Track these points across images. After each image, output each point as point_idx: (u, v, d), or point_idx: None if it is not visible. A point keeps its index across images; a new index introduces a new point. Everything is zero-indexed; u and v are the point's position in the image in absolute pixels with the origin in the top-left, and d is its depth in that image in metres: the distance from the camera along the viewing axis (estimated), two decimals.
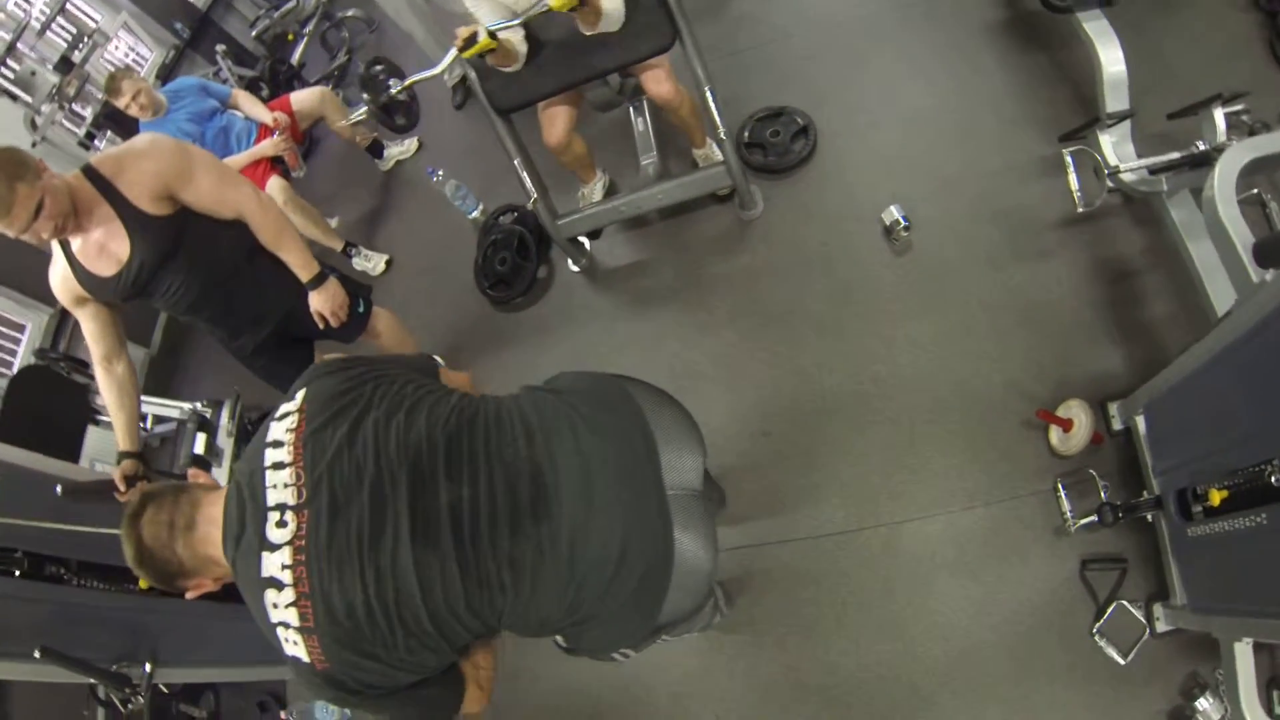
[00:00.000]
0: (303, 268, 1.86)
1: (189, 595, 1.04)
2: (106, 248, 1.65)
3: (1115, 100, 1.96)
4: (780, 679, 1.82)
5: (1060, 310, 1.94)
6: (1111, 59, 1.95)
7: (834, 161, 2.33)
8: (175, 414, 2.79)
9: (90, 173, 1.62)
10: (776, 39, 2.64)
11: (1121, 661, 1.61)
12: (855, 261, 2.15)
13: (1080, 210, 1.82)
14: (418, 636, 0.94)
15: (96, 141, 3.39)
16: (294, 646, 0.93)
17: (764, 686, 1.83)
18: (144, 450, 2.01)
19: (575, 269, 2.54)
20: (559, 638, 1.17)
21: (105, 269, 1.68)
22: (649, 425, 1.06)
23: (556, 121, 2.13)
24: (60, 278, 1.72)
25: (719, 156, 2.29)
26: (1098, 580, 1.69)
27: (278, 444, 1.00)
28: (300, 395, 1.04)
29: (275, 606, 0.93)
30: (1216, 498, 1.34)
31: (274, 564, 0.93)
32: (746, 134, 2.39)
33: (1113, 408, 1.77)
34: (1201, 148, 1.70)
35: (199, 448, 2.67)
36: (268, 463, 0.98)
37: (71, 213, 1.56)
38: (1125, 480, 1.73)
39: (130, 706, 1.95)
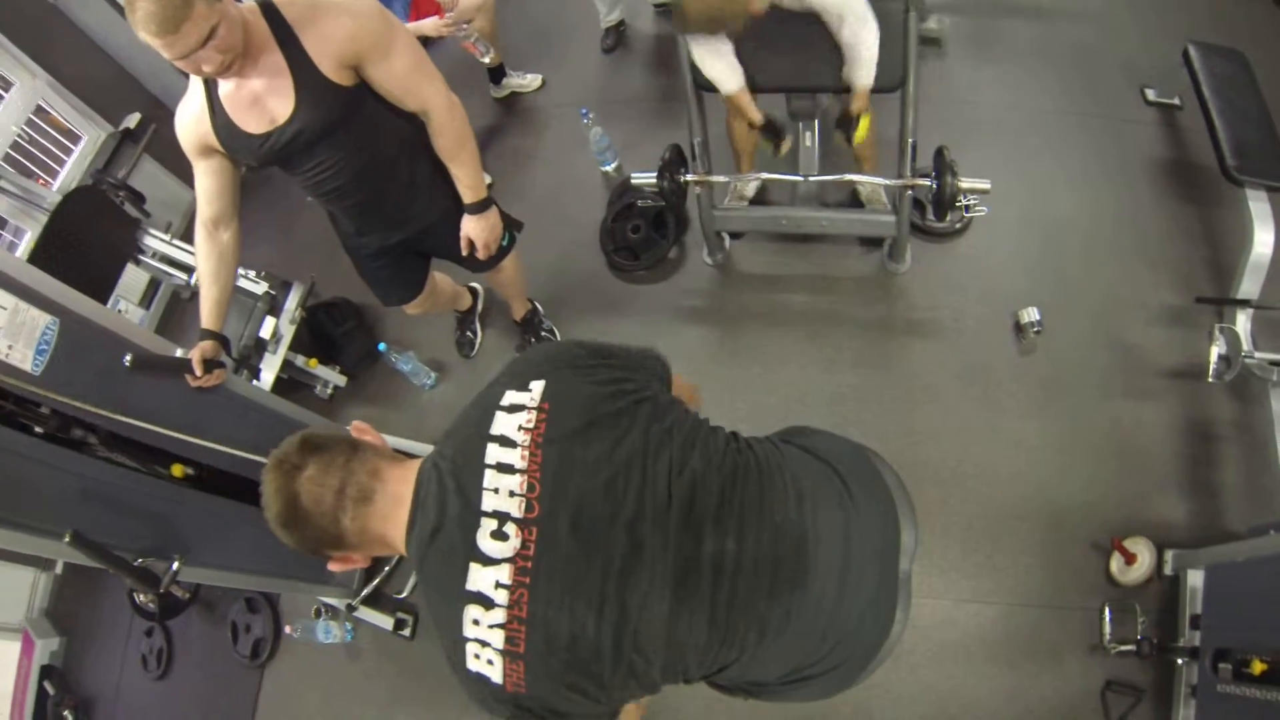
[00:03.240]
0: (472, 187, 1.82)
1: (332, 567, 1.00)
2: (262, 101, 1.53)
3: (1252, 282, 2.27)
4: (812, 717, 2.08)
5: (1148, 452, 2.27)
6: (1263, 241, 2.25)
7: (982, 243, 2.60)
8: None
9: (270, 12, 1.49)
10: (952, 106, 2.86)
11: None
12: (982, 347, 2.43)
13: (1210, 380, 2.13)
14: (634, 679, 0.94)
15: None
16: (484, 665, 0.90)
17: None
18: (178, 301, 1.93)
19: (709, 262, 2.70)
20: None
21: (253, 125, 1.55)
22: (895, 506, 1.09)
23: (751, 110, 2.24)
24: (193, 118, 1.59)
25: (884, 200, 2.49)
26: (1114, 702, 2.02)
27: (506, 442, 0.95)
28: (538, 388, 0.99)
29: (476, 623, 0.90)
30: (1258, 668, 1.69)
31: (486, 580, 0.89)
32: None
33: (1168, 554, 2.11)
34: None
35: (265, 332, 2.66)
36: (489, 460, 0.94)
37: (240, 51, 1.43)
38: (1160, 620, 2.07)
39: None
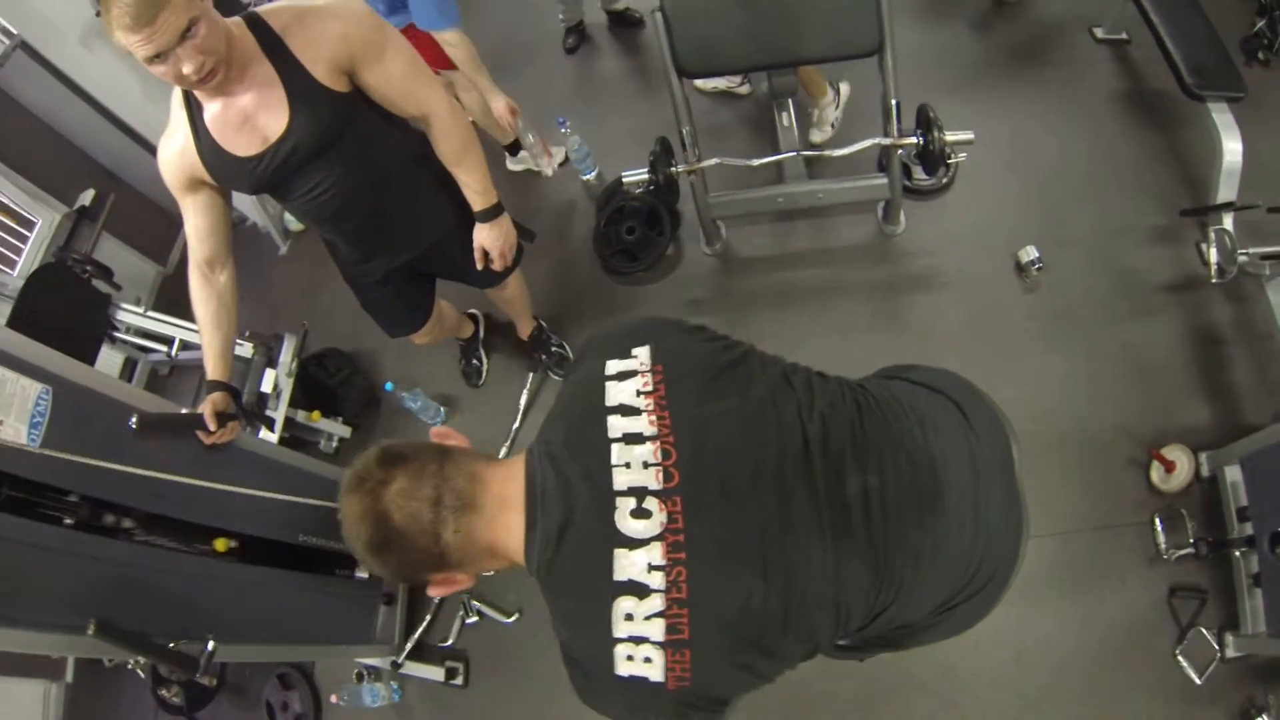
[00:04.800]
0: (482, 192, 1.80)
1: (433, 591, 0.95)
2: (253, 120, 1.51)
3: (1227, 188, 2.51)
4: (895, 677, 2.19)
5: (1162, 365, 2.48)
6: (1232, 150, 2.50)
7: (971, 193, 2.81)
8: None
9: (255, 23, 1.47)
10: (916, 66, 3.04)
11: (1198, 681, 2.10)
12: (988, 292, 2.63)
13: (1214, 282, 2.35)
14: (803, 643, 0.93)
15: None
16: (640, 665, 0.85)
17: (879, 683, 2.20)
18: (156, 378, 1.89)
19: (708, 251, 2.86)
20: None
21: (245, 147, 1.53)
22: (1003, 423, 1.15)
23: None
24: (178, 151, 1.56)
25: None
26: (1181, 607, 2.18)
27: (628, 410, 0.93)
28: (644, 352, 0.99)
29: (629, 618, 0.85)
30: None
31: (636, 564, 0.85)
32: None
33: (1202, 456, 2.29)
34: None
35: (266, 385, 2.69)
36: (613, 434, 0.91)
37: (225, 60, 1.40)
38: (1207, 520, 2.24)
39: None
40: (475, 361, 2.93)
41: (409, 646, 2.56)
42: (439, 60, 2.49)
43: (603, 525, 0.87)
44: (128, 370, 3.09)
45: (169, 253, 3.63)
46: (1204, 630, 2.14)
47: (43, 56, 2.85)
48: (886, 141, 2.33)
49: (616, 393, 0.95)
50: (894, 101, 2.30)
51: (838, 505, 0.94)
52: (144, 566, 1.65)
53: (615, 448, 0.90)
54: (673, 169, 2.40)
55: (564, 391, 1.04)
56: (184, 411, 1.77)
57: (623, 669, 0.85)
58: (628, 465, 0.89)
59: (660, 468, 0.89)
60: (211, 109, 1.50)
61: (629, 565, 0.85)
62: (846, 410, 1.02)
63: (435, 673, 2.54)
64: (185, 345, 2.93)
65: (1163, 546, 2.21)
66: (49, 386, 1.48)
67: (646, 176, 2.39)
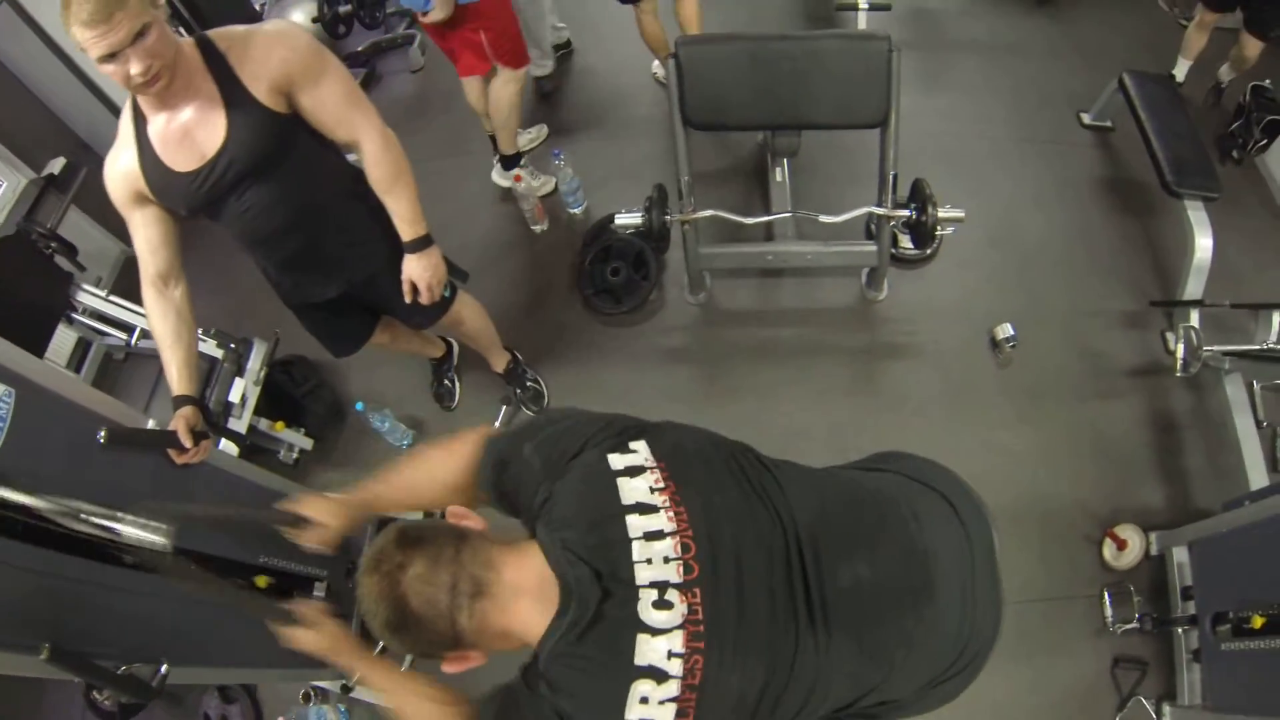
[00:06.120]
0: (411, 221, 1.88)
1: (447, 669, 1.01)
2: (193, 135, 1.62)
3: (1195, 283, 2.75)
4: None
5: (1122, 446, 2.70)
6: (1203, 246, 2.73)
7: (953, 266, 3.02)
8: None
9: (204, 44, 1.60)
10: (910, 138, 3.28)
11: None
12: (963, 364, 2.83)
13: (1178, 375, 2.57)
14: (786, 718, 1.04)
15: None
16: None
17: None
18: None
19: (691, 300, 2.99)
20: None
21: (184, 162, 1.63)
22: (984, 511, 1.27)
23: None
24: (124, 166, 1.67)
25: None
26: (1123, 677, 2.38)
27: (646, 509, 1.00)
28: (643, 447, 1.07)
29: (644, 702, 0.92)
30: (1259, 622, 2.06)
31: (657, 651, 0.93)
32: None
33: (1152, 536, 2.51)
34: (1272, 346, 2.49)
35: (234, 395, 2.70)
36: (635, 532, 0.98)
37: (172, 69, 1.52)
38: (1153, 597, 2.45)
39: None
40: (447, 383, 3.01)
41: None
42: (506, 56, 2.74)
43: (627, 614, 0.94)
44: (80, 351, 2.98)
45: None
46: (1144, 700, 2.34)
47: (29, 14, 2.85)
48: (880, 211, 2.51)
49: (631, 490, 1.02)
50: (893, 173, 2.49)
51: (830, 596, 1.04)
52: (103, 585, 1.60)
53: (636, 545, 0.98)
54: (667, 217, 2.54)
55: (568, 487, 1.07)
56: (153, 426, 1.75)
57: None
58: (649, 561, 0.97)
59: (681, 561, 0.97)
60: (155, 123, 1.61)
61: (650, 651, 0.93)
62: (837, 506, 1.14)
63: None
64: (146, 334, 2.86)
65: (1110, 620, 2.41)
66: (12, 389, 1.43)
67: (640, 220, 2.52)
